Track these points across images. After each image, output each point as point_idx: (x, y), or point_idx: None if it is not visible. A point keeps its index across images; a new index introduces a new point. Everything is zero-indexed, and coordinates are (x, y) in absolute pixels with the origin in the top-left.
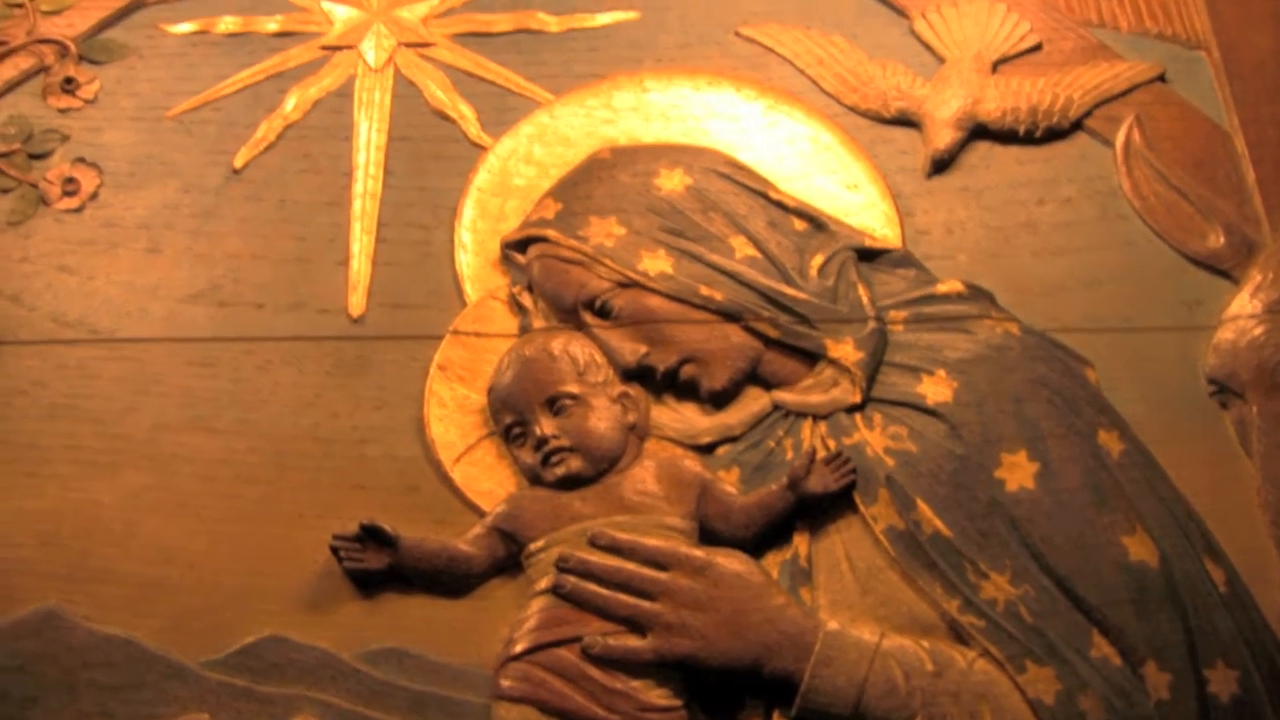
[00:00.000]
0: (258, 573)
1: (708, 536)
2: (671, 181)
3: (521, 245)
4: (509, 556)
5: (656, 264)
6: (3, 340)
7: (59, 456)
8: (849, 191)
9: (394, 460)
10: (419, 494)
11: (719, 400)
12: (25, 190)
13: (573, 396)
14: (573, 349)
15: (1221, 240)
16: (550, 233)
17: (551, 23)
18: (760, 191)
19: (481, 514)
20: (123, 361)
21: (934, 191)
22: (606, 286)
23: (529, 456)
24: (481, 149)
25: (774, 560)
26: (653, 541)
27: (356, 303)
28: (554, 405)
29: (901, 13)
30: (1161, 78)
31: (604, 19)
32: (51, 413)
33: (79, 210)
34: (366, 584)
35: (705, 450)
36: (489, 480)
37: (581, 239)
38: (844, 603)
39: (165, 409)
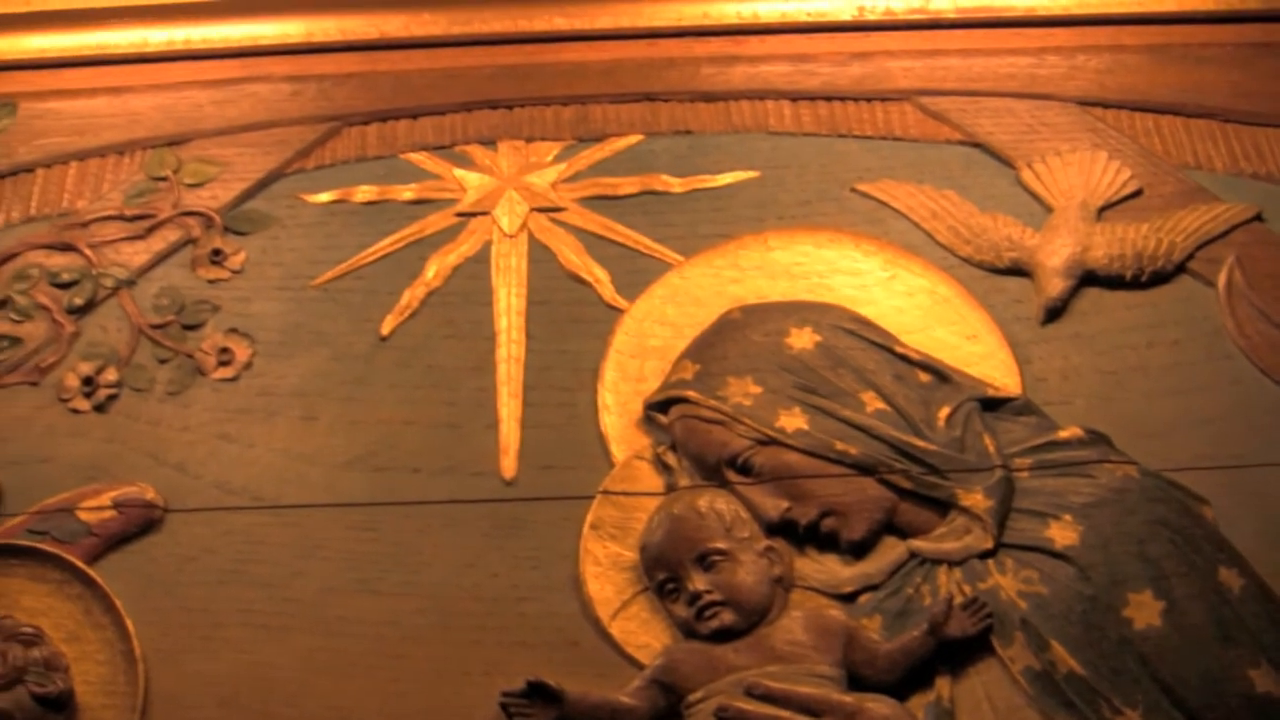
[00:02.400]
0: None
1: (854, 682)
2: (801, 340)
3: (663, 406)
4: (669, 708)
5: (793, 421)
6: (170, 508)
7: (232, 620)
8: (968, 342)
9: (553, 617)
10: (579, 649)
11: (858, 550)
12: (181, 361)
13: (722, 552)
14: (719, 506)
15: None
16: (690, 394)
17: (675, 184)
18: (885, 346)
19: (640, 667)
20: (287, 527)
21: (1048, 339)
22: (747, 445)
23: (683, 611)
24: (617, 311)
25: (918, 703)
26: (806, 689)
27: (508, 465)
28: (704, 561)
29: (1008, 164)
30: (1259, 217)
31: (725, 179)
32: (221, 578)
33: (234, 379)
34: None
35: (847, 599)
36: (645, 634)
37: (721, 399)
38: None
39: (331, 573)
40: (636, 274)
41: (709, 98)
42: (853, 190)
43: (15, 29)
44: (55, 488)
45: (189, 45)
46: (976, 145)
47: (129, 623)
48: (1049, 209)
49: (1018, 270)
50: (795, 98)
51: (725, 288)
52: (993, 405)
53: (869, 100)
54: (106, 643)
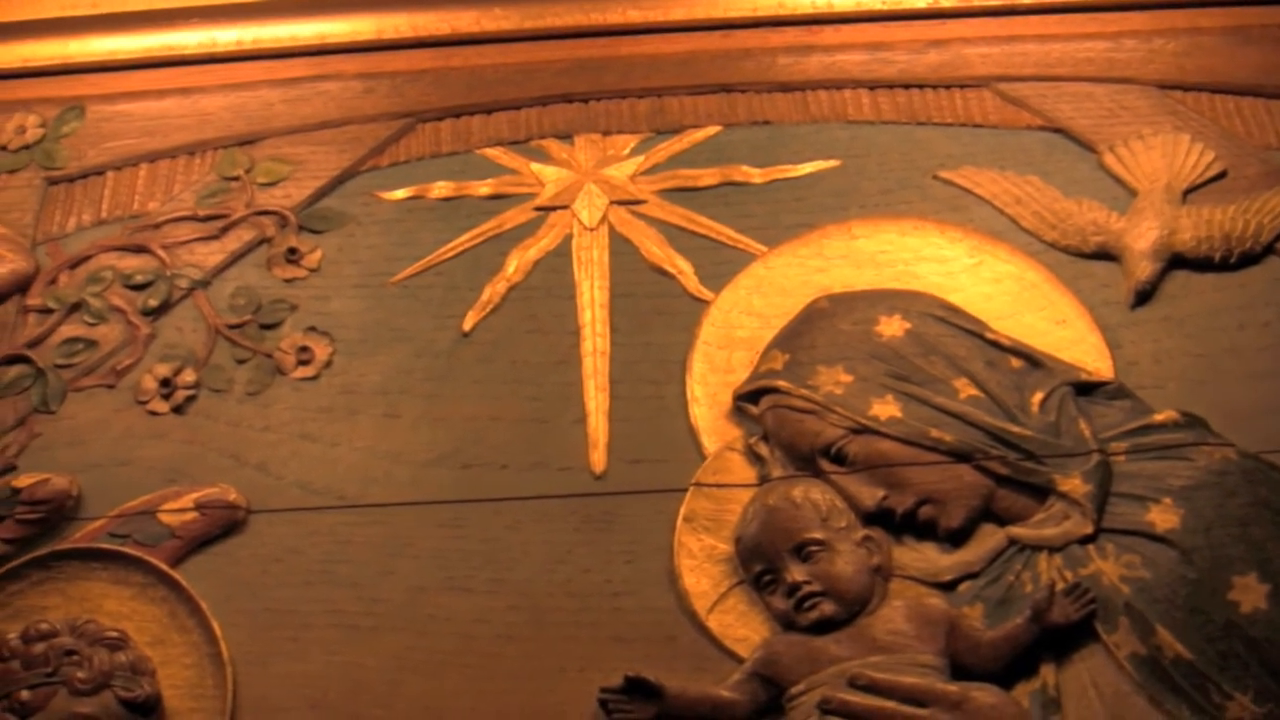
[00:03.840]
0: None
1: (957, 672)
2: (891, 328)
3: (753, 396)
4: (770, 701)
5: (886, 409)
6: (253, 509)
7: (320, 621)
8: (1058, 327)
9: (649, 612)
10: (676, 644)
11: (956, 538)
12: (260, 360)
13: (819, 543)
14: (814, 496)
15: None
16: (781, 383)
17: (755, 175)
18: (975, 332)
19: (738, 661)
20: (373, 526)
21: (1139, 323)
22: (840, 434)
23: (781, 603)
24: (702, 302)
25: (1023, 691)
26: (910, 679)
27: (598, 459)
28: (802, 552)
29: (1089, 148)
30: None
31: (806, 168)
32: (308, 579)
33: (315, 378)
34: None
35: (947, 588)
36: (743, 627)
37: (812, 388)
38: None
39: (420, 571)
40: (720, 265)
41: (786, 88)
42: (935, 178)
43: (81, 31)
44: (135, 490)
45: (258, 45)
46: (1057, 130)
47: (215, 625)
48: (1133, 193)
49: (1104, 254)
50: (873, 86)
51: (811, 277)
52: (1086, 390)
53: (947, 88)
54: (193, 646)
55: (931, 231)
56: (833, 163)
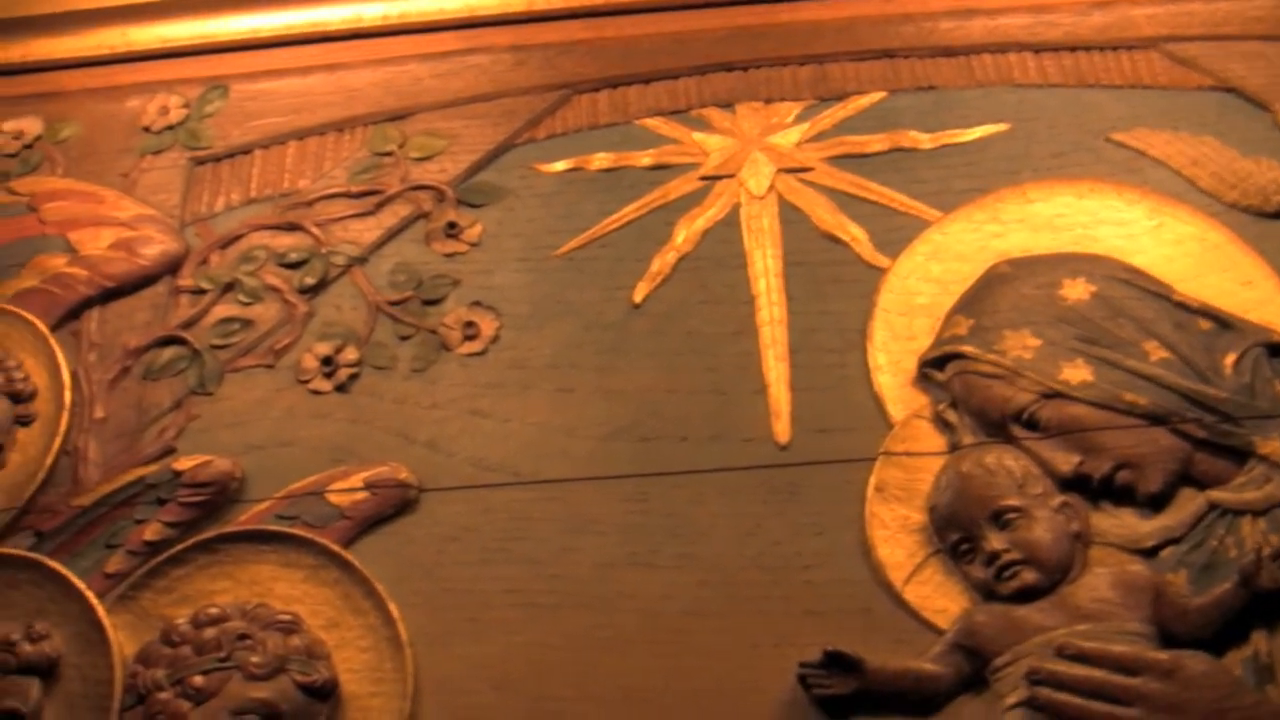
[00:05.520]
0: (720, 707)
1: (1165, 639)
2: (1076, 291)
3: (938, 363)
4: (974, 672)
5: (1077, 373)
6: (425, 488)
7: (500, 600)
8: (1244, 288)
9: (843, 584)
10: (872, 616)
11: (1156, 503)
12: (424, 337)
13: (1016, 509)
14: (1007, 462)
15: None
16: (968, 349)
17: (924, 140)
18: (1161, 294)
19: (937, 632)
20: (551, 502)
21: None
22: (1031, 399)
23: (980, 572)
24: (877, 269)
25: (1235, 658)
26: (1119, 648)
27: (781, 430)
28: (999, 520)
29: (1264, 107)
30: None
31: (976, 133)
32: (485, 557)
33: (482, 353)
34: (835, 710)
35: (1148, 554)
36: (941, 598)
37: (999, 353)
38: None
39: (602, 547)
40: (893, 232)
41: (950, 52)
42: (1107, 140)
43: (223, 9)
44: (300, 471)
45: (405, 19)
46: (1229, 90)
47: (392, 607)
48: None
49: None
50: (1038, 49)
51: (988, 242)
52: (1278, 351)
53: (1114, 49)
54: (369, 628)
55: (1109, 194)
56: (1002, 127)
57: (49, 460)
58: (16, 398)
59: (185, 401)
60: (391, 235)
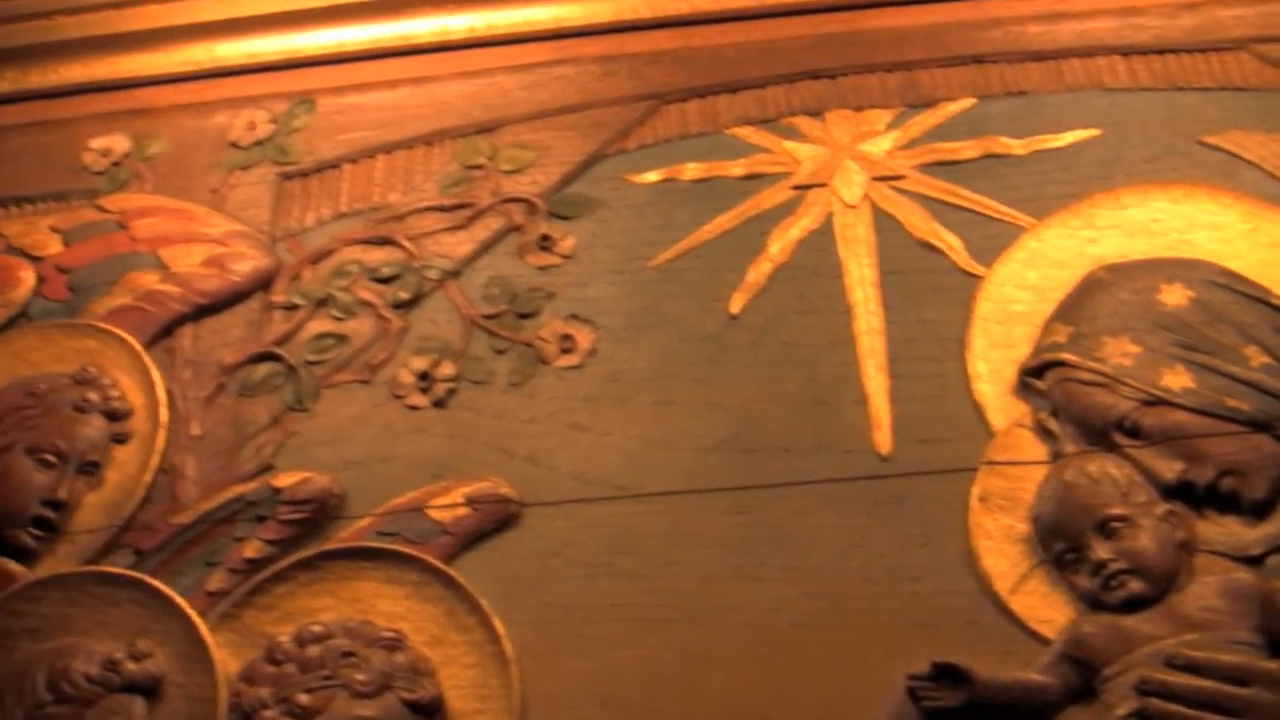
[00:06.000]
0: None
1: (1274, 648)
2: (1174, 296)
3: (1038, 371)
4: (1082, 683)
5: (1178, 380)
6: (526, 502)
7: (605, 615)
8: None
9: (949, 595)
10: (979, 627)
11: (1260, 510)
12: (521, 350)
13: (1122, 518)
14: (1111, 471)
15: None
16: (1067, 357)
17: (1016, 146)
18: (1260, 299)
19: (1045, 643)
20: (654, 516)
21: None
22: (1132, 406)
23: (1086, 581)
24: (973, 277)
25: None
26: (1229, 658)
27: (883, 440)
28: (1105, 529)
29: None
30: None
31: (1067, 138)
32: (589, 572)
33: (580, 367)
34: None
35: (1254, 561)
36: (1048, 608)
37: (1099, 360)
38: None
39: (707, 560)
40: (988, 239)
41: (1039, 57)
42: (1200, 143)
43: (309, 23)
44: (399, 487)
45: (492, 31)
46: None
47: (497, 623)
48: None
49: None
50: (1126, 52)
51: (1084, 248)
52: None
53: (1203, 51)
54: (474, 645)
55: (1203, 198)
56: (1093, 131)
57: (147, 478)
58: (113, 416)
59: (282, 418)
60: (484, 248)
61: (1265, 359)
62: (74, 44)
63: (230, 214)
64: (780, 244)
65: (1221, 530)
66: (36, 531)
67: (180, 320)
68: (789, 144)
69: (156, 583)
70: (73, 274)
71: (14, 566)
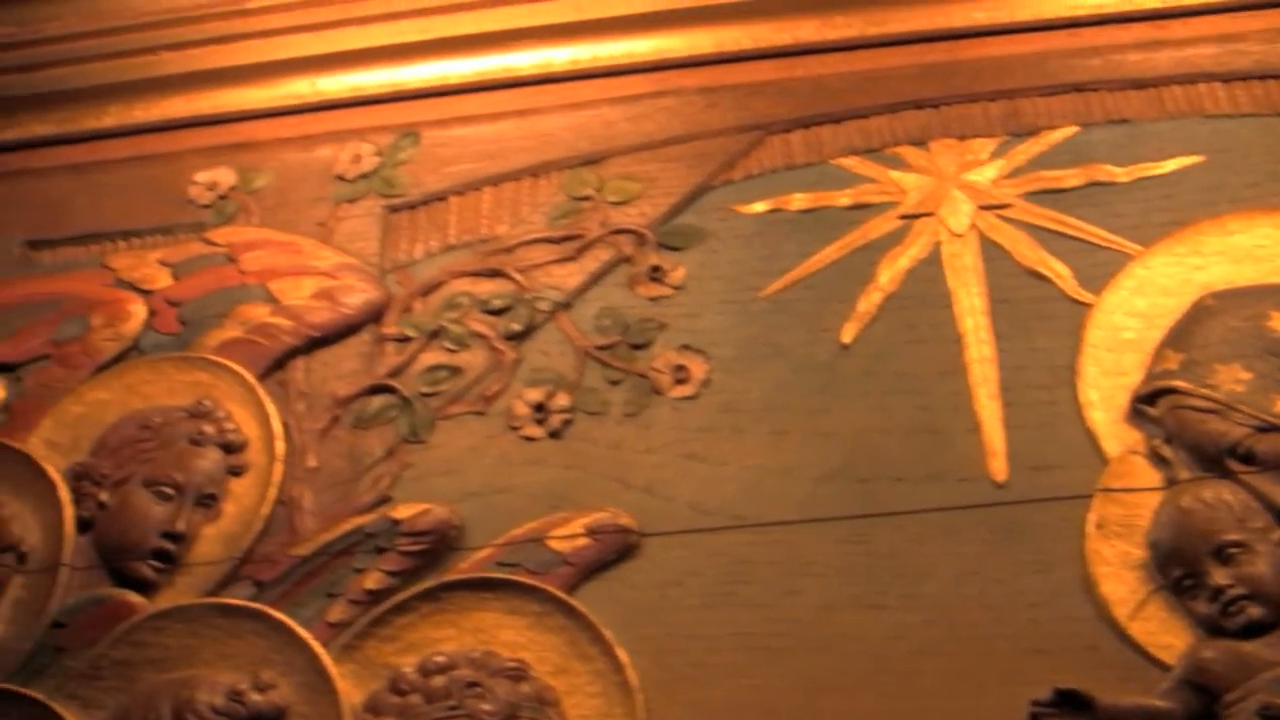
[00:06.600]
0: None
1: None
2: None
3: (1150, 398)
4: (1203, 709)
5: None
6: (645, 532)
7: (726, 644)
8: None
9: (1068, 621)
10: (1099, 653)
11: None
12: (635, 381)
13: (1238, 544)
14: (1225, 496)
15: None
16: (1180, 384)
17: (1119, 173)
18: None
19: (1164, 669)
20: (773, 545)
21: None
22: (1246, 433)
23: (1205, 607)
24: (1081, 305)
25: None
26: None
27: (998, 468)
28: (1221, 554)
29: None
30: None
31: (1170, 165)
32: (709, 601)
33: (694, 397)
34: None
35: None
36: (1167, 634)
37: (1211, 387)
38: None
39: (825, 589)
40: (1096, 267)
41: (1139, 84)
42: None
43: (412, 57)
44: (517, 518)
45: (596, 63)
46: None
47: (620, 652)
48: None
49: None
50: (1227, 79)
51: (1191, 275)
52: None
53: None
54: (597, 674)
55: None
56: (1196, 158)
57: (265, 510)
58: (228, 448)
59: (397, 450)
60: (594, 280)
61: None
62: (178, 79)
63: (338, 246)
64: (889, 273)
65: None
66: (156, 563)
67: (292, 353)
68: (894, 173)
69: (279, 614)
70: (183, 307)
71: (134, 598)
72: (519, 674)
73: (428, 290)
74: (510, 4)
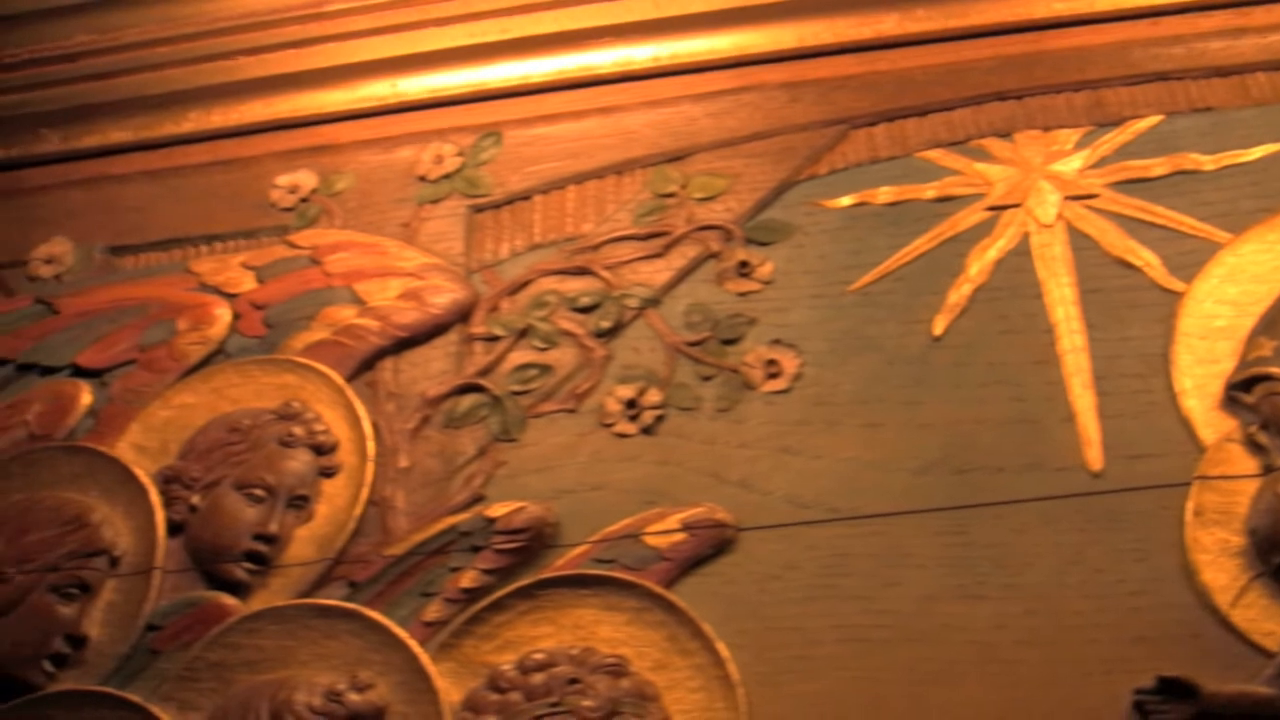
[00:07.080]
0: None
1: None
2: None
3: (1244, 385)
4: None
5: None
6: (742, 527)
7: (827, 637)
8: None
9: (1169, 609)
10: (1201, 641)
11: None
12: (726, 376)
13: None
14: None
15: None
16: (1274, 370)
17: (1206, 162)
18: None
19: (1267, 655)
20: (871, 537)
21: None
22: None
23: None
24: (1172, 294)
25: None
26: None
27: (1094, 458)
28: None
29: None
30: None
31: (1257, 152)
32: (809, 594)
33: (787, 391)
34: None
35: None
36: (1268, 621)
37: None
38: None
39: (926, 580)
40: (1185, 255)
41: (1223, 72)
42: None
43: (491, 57)
44: (612, 514)
45: (676, 60)
46: None
47: (721, 647)
48: None
49: None
50: None
51: None
52: None
53: None
54: (697, 669)
55: None
56: None
57: (358, 511)
58: (319, 449)
59: (489, 448)
60: (682, 276)
61: None
62: (256, 83)
63: (423, 247)
64: (979, 265)
65: None
66: (249, 565)
67: (380, 354)
68: (980, 165)
69: (375, 614)
70: (268, 310)
71: (228, 600)
72: (619, 670)
73: (515, 289)
74: (590, 2)
